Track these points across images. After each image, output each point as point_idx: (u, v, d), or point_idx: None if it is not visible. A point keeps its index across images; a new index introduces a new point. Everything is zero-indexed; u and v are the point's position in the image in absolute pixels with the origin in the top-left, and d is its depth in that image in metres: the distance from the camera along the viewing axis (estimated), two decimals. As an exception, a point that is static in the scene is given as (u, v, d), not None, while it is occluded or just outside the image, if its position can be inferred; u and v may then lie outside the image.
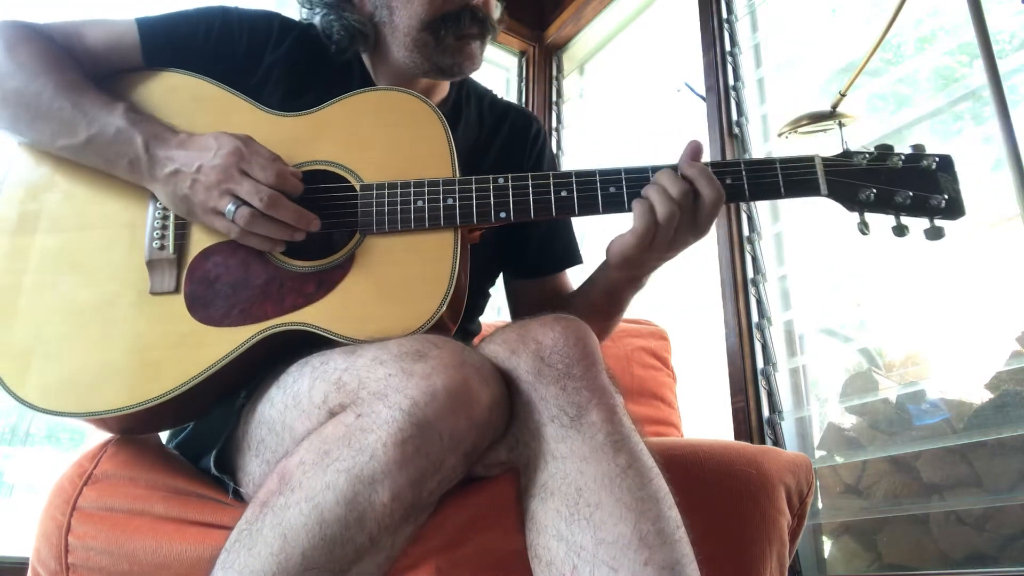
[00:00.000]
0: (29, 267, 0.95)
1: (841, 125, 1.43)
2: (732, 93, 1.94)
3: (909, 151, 0.96)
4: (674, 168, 0.94)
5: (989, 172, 1.39)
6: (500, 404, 0.77)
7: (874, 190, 0.93)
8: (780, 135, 1.53)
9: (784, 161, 0.95)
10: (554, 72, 2.83)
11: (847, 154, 0.96)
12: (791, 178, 0.95)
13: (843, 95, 1.39)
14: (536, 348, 0.81)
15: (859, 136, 1.51)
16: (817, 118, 1.44)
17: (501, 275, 1.26)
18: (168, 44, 1.05)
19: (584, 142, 2.62)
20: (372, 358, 0.78)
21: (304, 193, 0.94)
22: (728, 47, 2.01)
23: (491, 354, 0.84)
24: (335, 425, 0.75)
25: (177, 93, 1.04)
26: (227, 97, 1.03)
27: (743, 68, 1.98)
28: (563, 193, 0.95)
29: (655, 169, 0.94)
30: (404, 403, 0.72)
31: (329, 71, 1.12)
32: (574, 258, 1.25)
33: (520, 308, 1.25)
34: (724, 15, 2.04)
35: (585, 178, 0.95)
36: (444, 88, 1.20)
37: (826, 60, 1.78)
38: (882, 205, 0.93)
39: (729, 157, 1.88)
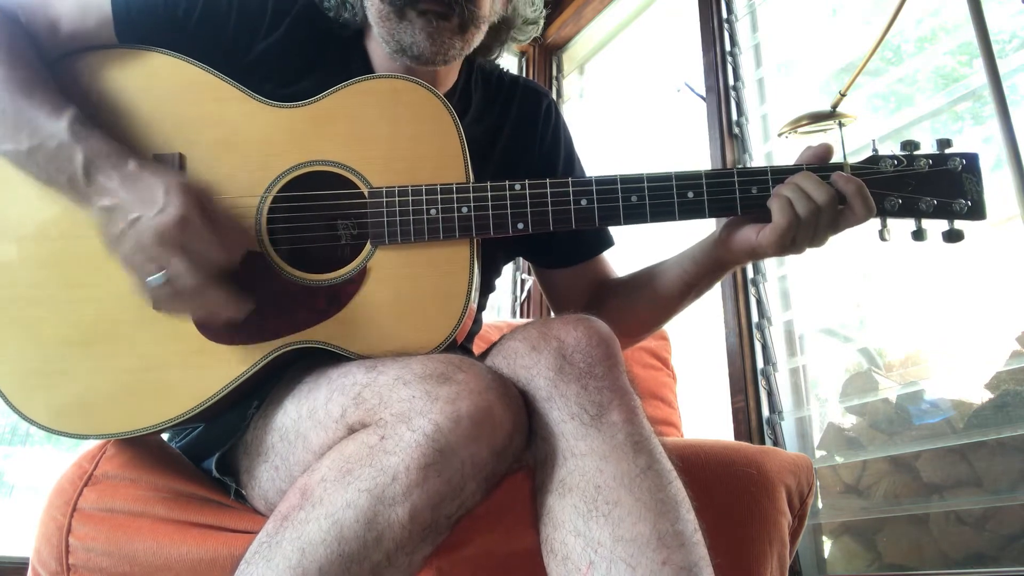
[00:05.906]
0: (19, 279, 0.89)
1: (841, 125, 1.42)
2: (732, 93, 1.94)
3: (936, 151, 0.92)
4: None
5: (989, 172, 1.39)
6: (521, 429, 0.77)
7: (900, 200, 0.90)
8: (780, 135, 1.52)
9: (809, 169, 0.91)
10: (554, 72, 2.83)
11: (874, 159, 0.92)
12: None
13: (843, 95, 1.39)
14: (558, 346, 0.80)
15: (859, 136, 1.50)
16: (817, 118, 1.44)
17: (531, 268, 1.20)
18: (144, 20, 0.95)
19: (584, 142, 2.61)
20: (395, 377, 0.78)
21: (309, 199, 0.91)
22: (728, 47, 2.01)
23: (511, 350, 0.83)
24: (357, 444, 0.75)
25: (160, 77, 0.94)
26: (218, 84, 0.94)
27: (743, 68, 1.97)
28: (583, 203, 0.91)
29: (680, 176, 0.91)
30: (428, 428, 0.71)
31: (328, 56, 1.03)
32: (608, 240, 1.19)
33: (562, 300, 1.20)
34: (724, 15, 2.04)
35: (606, 186, 0.91)
36: (452, 74, 1.11)
37: (826, 60, 1.78)
38: (905, 212, 0.91)
39: (729, 157, 1.88)
